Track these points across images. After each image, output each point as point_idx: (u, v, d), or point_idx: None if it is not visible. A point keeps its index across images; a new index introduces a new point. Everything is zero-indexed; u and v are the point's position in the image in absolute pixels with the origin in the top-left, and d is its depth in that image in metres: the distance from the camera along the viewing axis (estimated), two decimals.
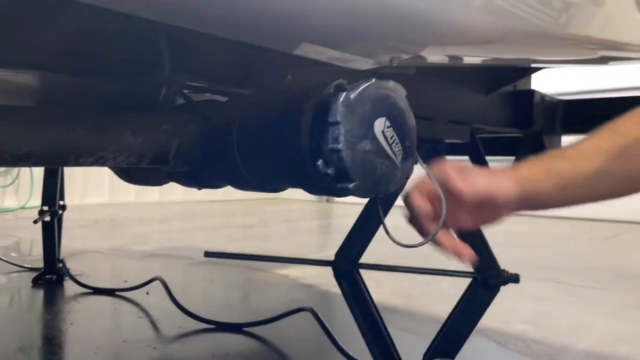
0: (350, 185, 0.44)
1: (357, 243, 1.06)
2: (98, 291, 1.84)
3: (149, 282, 1.79)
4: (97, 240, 3.07)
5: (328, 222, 5.01)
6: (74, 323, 1.51)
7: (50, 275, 1.97)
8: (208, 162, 0.57)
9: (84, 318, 1.58)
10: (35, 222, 1.87)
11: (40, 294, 1.86)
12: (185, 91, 0.59)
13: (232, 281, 2.16)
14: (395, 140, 0.46)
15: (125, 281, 1.97)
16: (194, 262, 2.47)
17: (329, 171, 0.43)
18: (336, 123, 0.43)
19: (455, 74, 1.07)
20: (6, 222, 4.03)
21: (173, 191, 6.13)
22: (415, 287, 1.96)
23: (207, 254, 1.22)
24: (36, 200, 4.95)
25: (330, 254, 2.71)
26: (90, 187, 5.42)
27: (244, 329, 1.45)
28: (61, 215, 2.00)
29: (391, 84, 0.46)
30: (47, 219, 1.93)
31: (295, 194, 7.27)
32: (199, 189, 0.68)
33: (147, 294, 1.81)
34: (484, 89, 1.17)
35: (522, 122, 1.26)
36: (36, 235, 3.31)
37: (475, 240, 1.00)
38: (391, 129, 0.46)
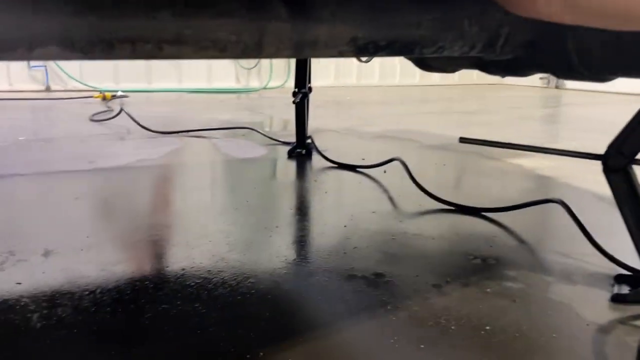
0: None
1: (634, 137, 0.96)
2: (341, 166, 2.05)
3: (389, 162, 1.92)
4: (330, 120, 3.34)
5: (557, 110, 4.58)
6: (328, 192, 1.73)
7: (301, 149, 2.26)
8: (534, 50, 0.56)
9: (335, 188, 1.79)
10: (293, 102, 2.11)
11: (294, 164, 2.15)
12: None
13: (464, 167, 2.20)
14: None
15: (363, 159, 2.14)
16: (422, 145, 2.55)
17: None
18: None
19: None
20: (253, 101, 4.62)
21: (393, 74, 6.22)
22: None
23: (462, 140, 1.24)
24: (275, 82, 5.53)
25: (566, 146, 2.51)
26: (318, 70, 5.79)
27: (483, 213, 1.49)
28: (308, 97, 2.23)
29: None
30: (299, 100, 2.16)
31: (520, 80, 6.71)
32: (502, 77, 0.68)
33: (385, 172, 1.96)
34: None
35: None
36: (278, 112, 3.76)
37: None
38: None
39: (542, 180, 1.93)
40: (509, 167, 2.10)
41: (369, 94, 5.38)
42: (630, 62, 0.49)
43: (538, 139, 2.85)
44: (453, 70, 0.81)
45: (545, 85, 6.21)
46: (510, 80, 6.69)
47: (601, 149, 1.02)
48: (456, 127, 3.20)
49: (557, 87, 6.11)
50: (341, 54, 0.48)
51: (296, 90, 2.15)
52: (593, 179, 1.86)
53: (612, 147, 0.99)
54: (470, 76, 6.77)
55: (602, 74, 0.54)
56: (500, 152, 2.25)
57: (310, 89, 2.22)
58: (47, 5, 0.37)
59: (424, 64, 0.82)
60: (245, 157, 2.24)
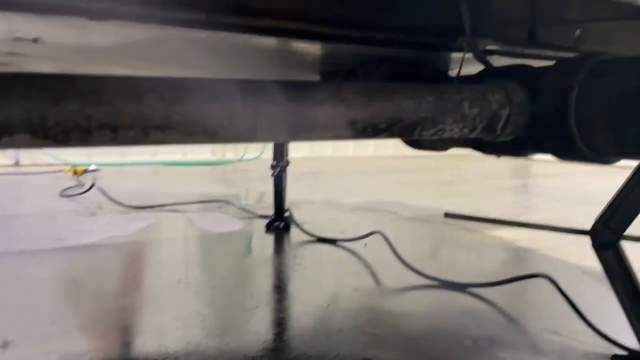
0: None
1: (622, 211, 0.96)
2: (321, 240, 2.01)
3: (369, 235, 1.89)
4: (307, 192, 3.32)
5: (529, 181, 4.68)
6: (308, 268, 1.67)
7: (279, 222, 2.21)
8: (534, 131, 0.55)
9: (315, 264, 1.73)
10: (272, 175, 2.09)
11: (272, 239, 2.10)
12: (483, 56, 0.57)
13: (444, 239, 2.17)
14: None
15: (342, 232, 2.10)
16: (401, 217, 2.54)
17: None
18: None
19: None
20: (228, 173, 4.59)
21: (366, 146, 6.34)
22: None
23: (447, 215, 1.22)
24: (251, 154, 5.54)
25: (543, 217, 2.50)
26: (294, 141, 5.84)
27: (469, 289, 1.45)
28: (286, 170, 2.21)
29: None
30: (277, 172, 2.14)
31: None
32: (498, 157, 0.67)
33: (365, 245, 1.92)
34: None
35: None
36: (254, 185, 3.73)
37: None
38: None
39: (523, 252, 1.91)
40: (489, 240, 2.09)
41: (345, 165, 5.43)
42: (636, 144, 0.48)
43: (515, 209, 2.87)
44: (445, 149, 0.80)
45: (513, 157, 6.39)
46: None
47: (575, 219, 1.01)
48: (433, 198, 3.22)
49: (525, 157, 6.29)
50: (338, 138, 0.46)
51: (274, 163, 2.14)
52: (572, 251, 1.85)
53: (599, 222, 0.98)
54: None
55: (606, 156, 0.53)
56: (479, 224, 2.24)
57: (288, 162, 2.21)
58: (17, 90, 0.34)
59: (415, 143, 0.81)
60: (222, 231, 2.18)
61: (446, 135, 0.50)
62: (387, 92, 0.45)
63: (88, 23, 0.49)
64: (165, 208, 2.61)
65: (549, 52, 0.67)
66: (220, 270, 1.66)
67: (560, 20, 0.67)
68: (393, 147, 6.59)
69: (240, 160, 5.37)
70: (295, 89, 0.43)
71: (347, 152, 6.30)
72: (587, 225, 1.02)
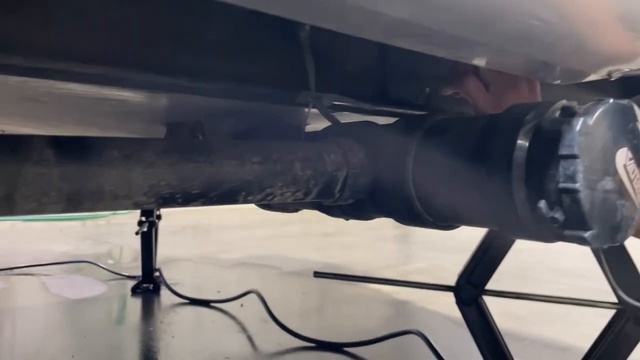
0: (586, 234, 0.36)
1: (482, 267, 0.97)
2: (194, 302, 1.86)
3: (244, 295, 1.78)
4: (187, 247, 3.14)
5: (408, 230, 4.88)
6: (175, 336, 1.52)
7: (147, 284, 2.02)
8: (374, 195, 0.51)
9: (184, 330, 1.59)
10: (136, 233, 1.92)
11: (139, 303, 1.91)
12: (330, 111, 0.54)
13: (324, 294, 2.12)
14: (636, 175, 0.38)
15: (219, 292, 1.98)
16: (281, 272, 2.46)
17: (557, 216, 0.36)
18: (572, 157, 0.35)
19: None
20: (99, 229, 4.24)
21: None
22: (522, 307, 1.82)
23: (317, 274, 1.17)
24: None
25: (419, 266, 2.56)
26: None
27: (345, 349, 1.40)
28: (157, 226, 2.05)
29: (628, 103, 0.38)
30: (145, 229, 1.97)
31: None
32: (347, 220, 0.62)
33: (242, 306, 1.80)
34: None
35: None
36: (127, 241, 3.46)
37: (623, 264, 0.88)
38: (633, 162, 0.37)
39: (400, 306, 1.92)
40: (368, 292, 2.08)
41: (229, 216, 5.28)
42: (470, 213, 0.46)
43: (395, 259, 2.94)
44: (295, 210, 0.76)
45: None
46: None
47: (449, 268, 1.01)
48: (316, 250, 3.20)
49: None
50: (138, 206, 0.38)
51: (142, 219, 1.97)
52: (443, 302, 1.89)
53: (461, 278, 0.98)
54: None
55: (446, 222, 0.51)
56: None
57: (159, 217, 2.05)
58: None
59: (264, 205, 0.75)
60: (80, 297, 1.94)
61: (277, 200, 0.45)
62: (202, 152, 0.39)
63: None
64: (15, 271, 2.29)
65: (401, 110, 0.66)
66: (71, 346, 1.45)
67: (411, 77, 0.66)
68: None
69: (113, 213, 4.99)
70: (74, 146, 0.35)
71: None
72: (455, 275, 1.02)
